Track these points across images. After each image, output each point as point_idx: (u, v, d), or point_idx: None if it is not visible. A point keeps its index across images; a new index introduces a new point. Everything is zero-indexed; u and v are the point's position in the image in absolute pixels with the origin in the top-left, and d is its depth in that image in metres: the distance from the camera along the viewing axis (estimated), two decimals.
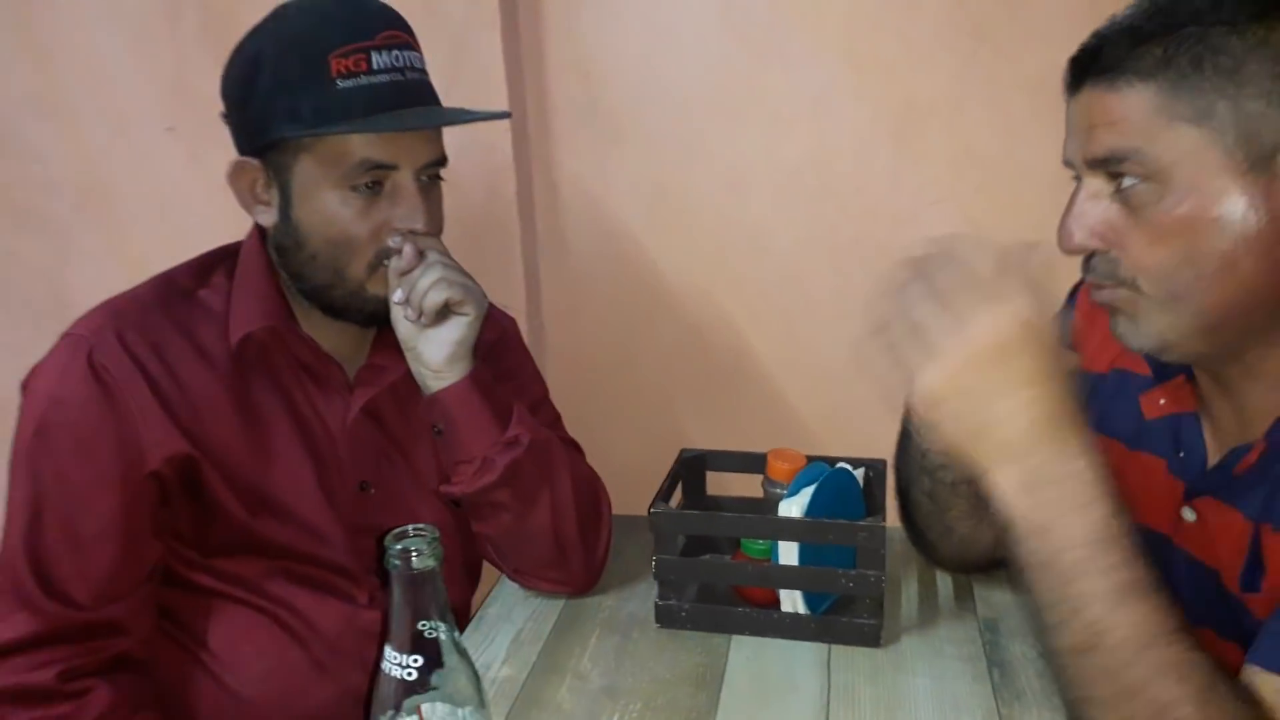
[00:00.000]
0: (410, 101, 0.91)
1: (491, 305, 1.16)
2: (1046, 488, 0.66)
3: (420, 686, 0.58)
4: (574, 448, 1.14)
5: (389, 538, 0.58)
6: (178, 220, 1.44)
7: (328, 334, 1.01)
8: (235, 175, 0.94)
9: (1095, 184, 0.73)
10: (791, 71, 1.28)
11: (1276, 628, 0.68)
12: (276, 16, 0.92)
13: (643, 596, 1.07)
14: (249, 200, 0.95)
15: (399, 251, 0.93)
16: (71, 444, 0.89)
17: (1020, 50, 1.20)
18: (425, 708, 0.57)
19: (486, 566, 1.16)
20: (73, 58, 1.41)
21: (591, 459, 1.18)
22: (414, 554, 0.56)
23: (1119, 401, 0.94)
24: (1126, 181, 0.71)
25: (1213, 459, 0.84)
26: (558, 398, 1.19)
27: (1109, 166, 0.72)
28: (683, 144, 1.33)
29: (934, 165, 1.28)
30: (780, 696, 0.93)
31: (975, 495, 0.92)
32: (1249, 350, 0.76)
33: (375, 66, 0.88)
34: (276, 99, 0.89)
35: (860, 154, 1.29)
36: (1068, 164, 0.76)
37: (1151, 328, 0.74)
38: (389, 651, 0.58)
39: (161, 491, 0.92)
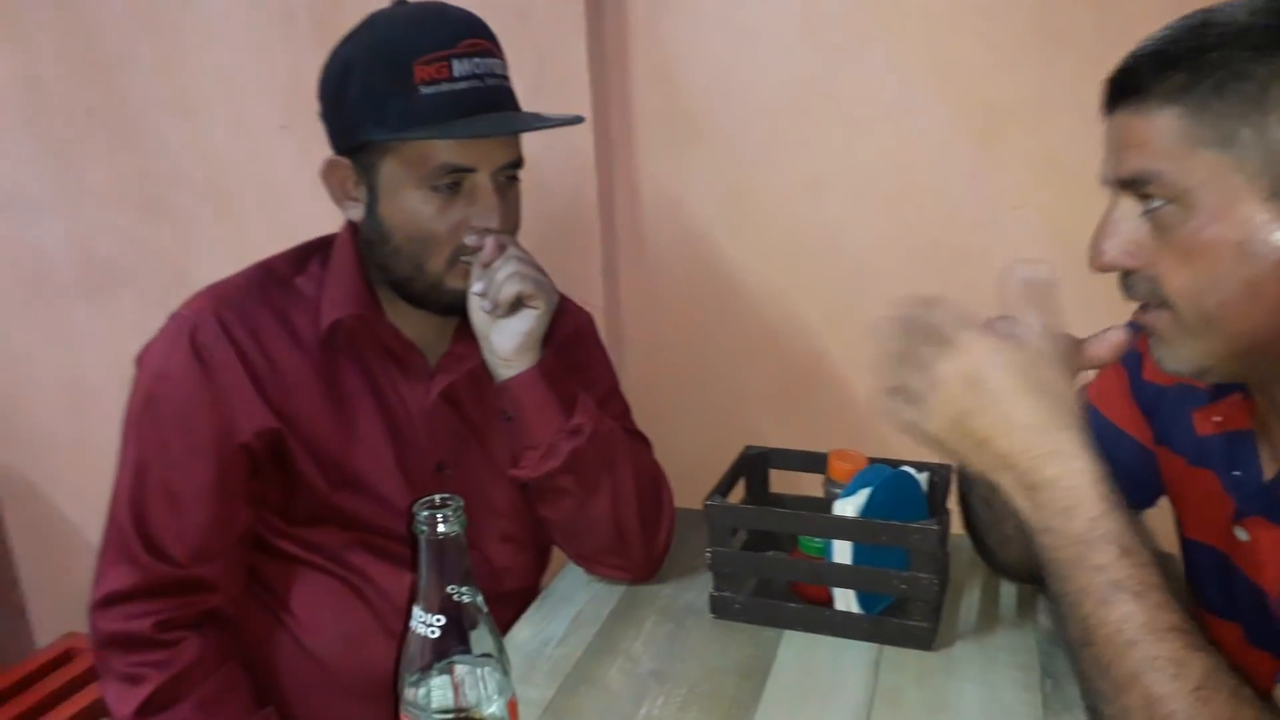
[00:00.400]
0: (489, 107, 0.96)
1: (568, 300, 1.21)
2: (1038, 491, 0.69)
3: (445, 645, 0.62)
4: (640, 440, 1.18)
5: (417, 505, 0.63)
6: (288, 211, 1.54)
7: (411, 323, 1.07)
8: (328, 173, 1.01)
9: (1126, 203, 0.74)
10: (870, 74, 1.28)
11: None
12: (367, 25, 0.98)
13: (701, 587, 1.10)
14: (340, 196, 1.02)
15: (479, 248, 0.99)
16: (173, 414, 0.97)
17: (1105, 54, 1.14)
18: (457, 669, 0.62)
19: (556, 550, 1.21)
20: (200, 62, 1.53)
21: (663, 453, 1.21)
22: (440, 520, 0.61)
23: (1179, 415, 0.92)
24: (1154, 202, 0.72)
25: (1268, 478, 0.82)
26: (633, 392, 1.23)
27: (1137, 188, 0.73)
28: (761, 146, 1.35)
29: (1014, 170, 1.26)
30: (824, 693, 0.94)
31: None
32: None
33: (456, 74, 0.93)
34: (365, 104, 0.95)
35: (939, 157, 1.29)
36: (1104, 182, 0.77)
37: (1186, 351, 0.74)
38: (417, 611, 0.63)
39: (252, 462, 1.00)
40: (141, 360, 1.01)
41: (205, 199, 1.61)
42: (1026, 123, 1.24)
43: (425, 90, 0.93)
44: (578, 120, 1.03)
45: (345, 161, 1.00)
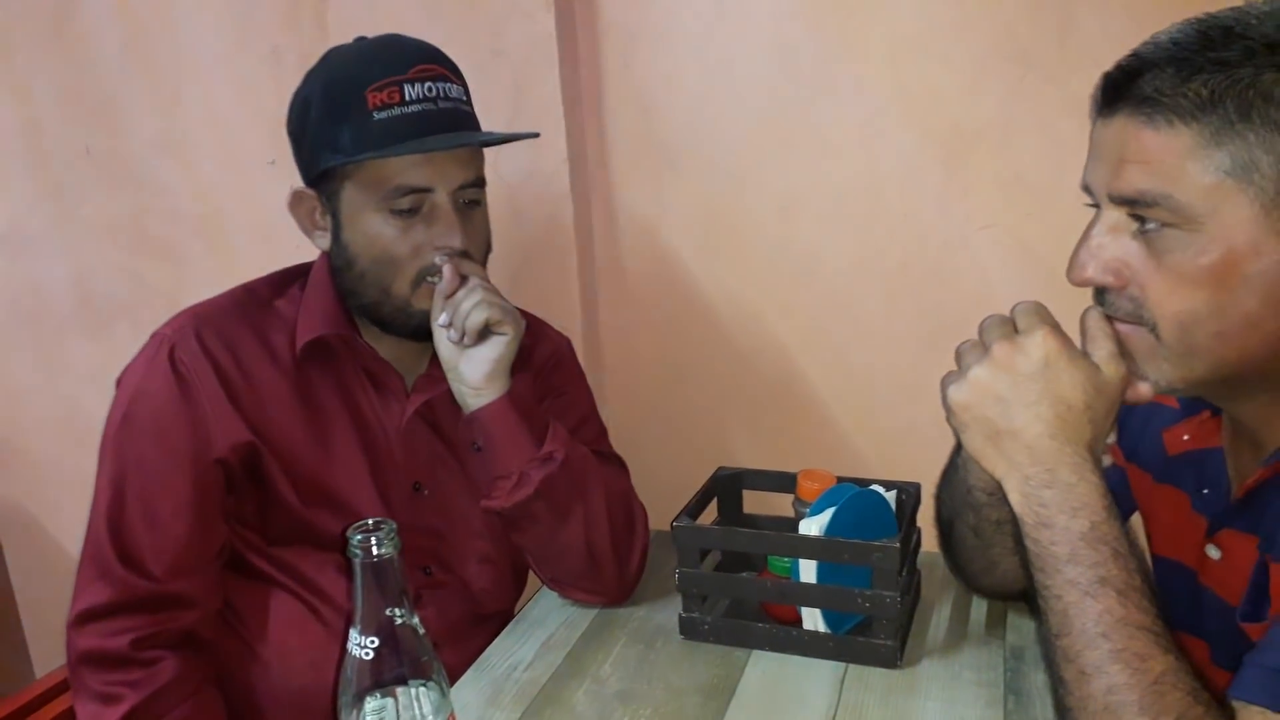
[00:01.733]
0: (443, 128, 0.98)
1: (547, 326, 1.23)
2: (1044, 491, 0.71)
3: (381, 667, 0.63)
4: (616, 463, 1.19)
5: (351, 529, 0.64)
6: (278, 243, 1.57)
7: (388, 345, 1.09)
8: (295, 204, 1.04)
9: (1115, 217, 0.71)
10: (840, 100, 1.30)
11: (1258, 659, 0.66)
12: (325, 60, 1.02)
13: (673, 609, 1.11)
14: (308, 226, 1.05)
15: (440, 272, 1.01)
16: (152, 430, 1.00)
17: (1068, 75, 1.19)
18: (394, 691, 0.63)
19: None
20: (192, 102, 1.57)
21: (641, 475, 1.23)
22: (375, 543, 0.62)
23: (1146, 432, 0.93)
24: (1151, 224, 0.68)
25: (1237, 491, 0.82)
26: (612, 416, 1.24)
27: (1135, 207, 0.69)
28: (735, 172, 1.37)
29: (982, 191, 1.27)
30: (786, 712, 0.95)
31: (1018, 533, 0.93)
32: (1266, 392, 0.74)
33: (408, 97, 0.96)
34: (323, 133, 0.98)
35: (908, 180, 1.30)
36: (1086, 189, 0.74)
37: (1160, 372, 0.73)
38: (353, 634, 0.64)
39: (228, 477, 1.01)
40: (121, 378, 1.04)
41: (198, 233, 1.64)
42: (993, 144, 1.26)
43: (378, 115, 0.96)
44: (533, 135, 1.05)
45: (310, 192, 1.03)
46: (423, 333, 1.05)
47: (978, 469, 0.87)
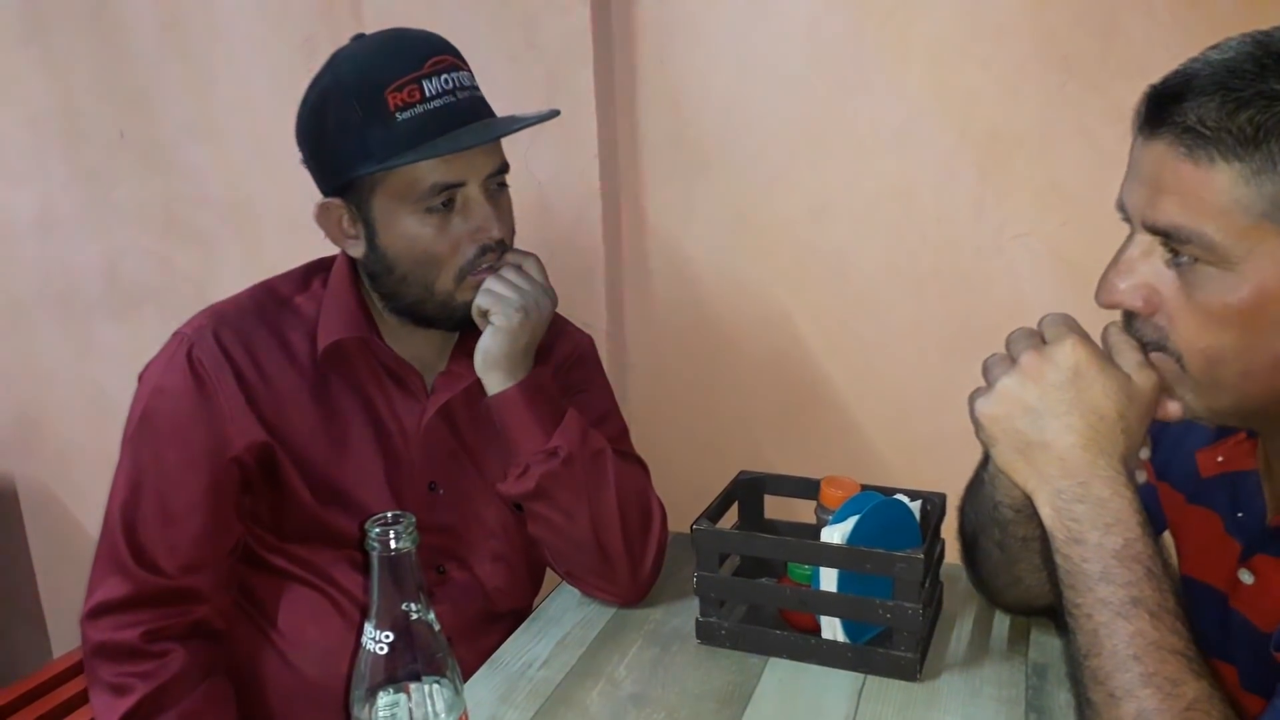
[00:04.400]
0: (465, 119, 0.98)
1: (569, 323, 1.22)
2: (1076, 506, 0.70)
3: (395, 662, 0.62)
4: (634, 462, 1.17)
5: (369, 522, 0.63)
6: (306, 232, 1.57)
7: (409, 345, 1.09)
8: (322, 215, 1.03)
9: (1147, 241, 0.69)
10: (876, 102, 1.29)
11: None
12: (331, 65, 1.00)
13: (690, 613, 1.09)
14: (338, 236, 1.04)
15: (481, 264, 1.01)
16: (169, 428, 1.00)
17: (1110, 83, 1.17)
18: (407, 686, 0.62)
19: (549, 572, 1.21)
20: (226, 89, 1.58)
21: (662, 477, 1.21)
22: (393, 537, 0.61)
23: (1180, 452, 0.91)
24: (1183, 257, 0.67)
25: (1272, 517, 0.79)
26: (634, 416, 1.23)
27: (1169, 240, 0.67)
28: (767, 173, 1.36)
29: (1018, 198, 1.25)
30: None
31: (1046, 549, 0.91)
32: None
33: (428, 94, 0.95)
34: (345, 141, 0.97)
35: (943, 185, 1.28)
36: (1121, 208, 0.72)
37: (1186, 399, 0.72)
38: (368, 628, 0.63)
39: (243, 476, 1.01)
40: (142, 377, 1.04)
41: (227, 220, 1.65)
42: (1031, 151, 1.23)
43: (401, 116, 0.95)
44: (554, 115, 1.02)
45: (337, 201, 1.02)
46: (467, 323, 1.05)
47: (1005, 483, 0.86)
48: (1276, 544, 0.77)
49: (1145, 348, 0.72)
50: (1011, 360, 0.74)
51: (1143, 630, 0.65)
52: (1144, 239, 0.70)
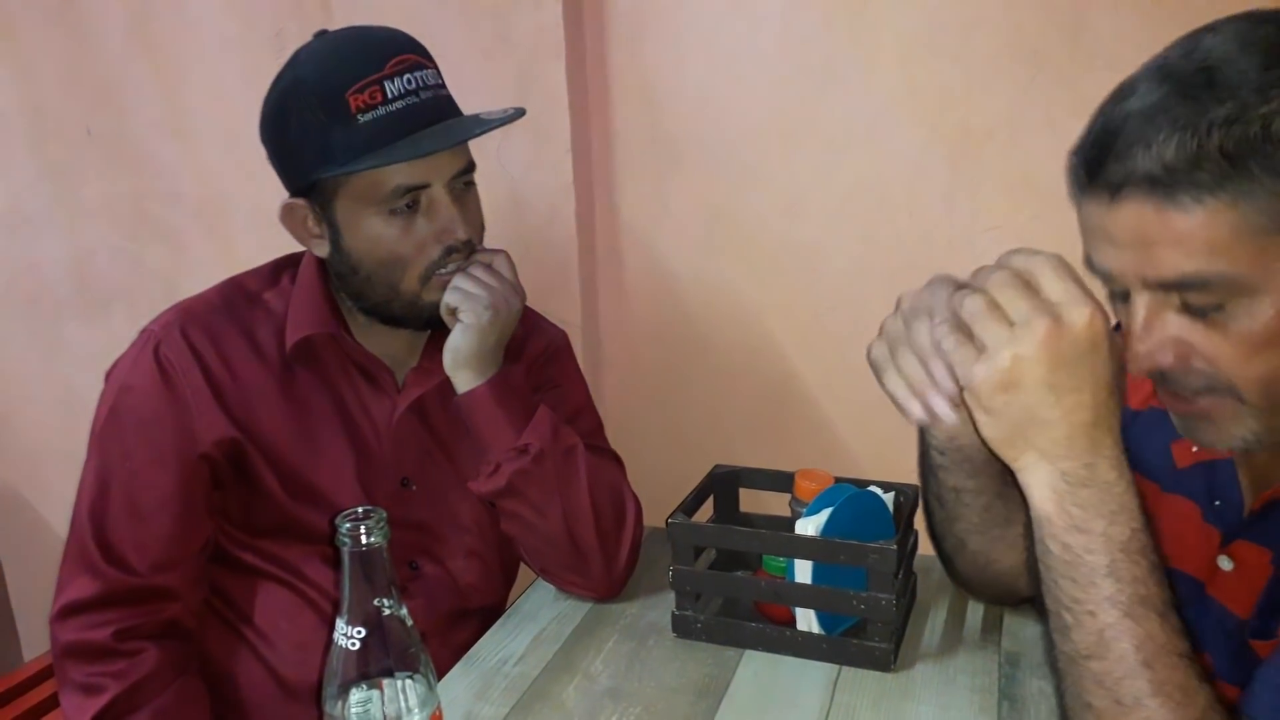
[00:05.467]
0: (428, 121, 0.96)
1: (542, 318, 1.22)
2: (1081, 490, 0.65)
3: (367, 657, 0.62)
4: (608, 457, 1.17)
5: (339, 517, 0.63)
6: (277, 229, 1.56)
7: (379, 341, 1.08)
8: (287, 216, 1.02)
9: (1153, 298, 0.66)
10: (847, 97, 1.29)
11: (1272, 676, 0.65)
12: (293, 64, 0.99)
13: (666, 607, 1.09)
14: (304, 235, 1.03)
15: (447, 264, 1.01)
16: (136, 425, 0.99)
17: (1079, 76, 1.18)
18: (380, 682, 0.62)
19: (524, 568, 1.21)
20: (195, 85, 1.56)
21: (638, 472, 1.21)
22: (364, 532, 0.61)
23: (1152, 442, 0.91)
24: (1199, 302, 0.64)
25: (1249, 503, 0.80)
26: (609, 411, 1.23)
27: (1182, 291, 0.65)
28: (739, 168, 1.36)
29: (990, 191, 1.26)
30: (778, 712, 0.93)
31: (983, 507, 0.92)
32: None
33: (390, 95, 0.94)
34: (307, 143, 0.96)
35: (915, 179, 1.29)
36: (1104, 277, 0.68)
37: (1244, 430, 0.69)
38: (339, 624, 0.63)
39: (213, 473, 1.01)
40: (109, 375, 1.03)
41: (198, 217, 1.63)
42: (1001, 145, 1.24)
43: (363, 118, 0.93)
44: (520, 114, 1.01)
45: (301, 202, 1.01)
46: (433, 323, 1.04)
47: (939, 427, 0.82)
48: (1256, 530, 0.78)
49: (1196, 396, 0.69)
50: (1008, 322, 0.65)
51: (1153, 634, 0.63)
52: (1147, 297, 0.67)
